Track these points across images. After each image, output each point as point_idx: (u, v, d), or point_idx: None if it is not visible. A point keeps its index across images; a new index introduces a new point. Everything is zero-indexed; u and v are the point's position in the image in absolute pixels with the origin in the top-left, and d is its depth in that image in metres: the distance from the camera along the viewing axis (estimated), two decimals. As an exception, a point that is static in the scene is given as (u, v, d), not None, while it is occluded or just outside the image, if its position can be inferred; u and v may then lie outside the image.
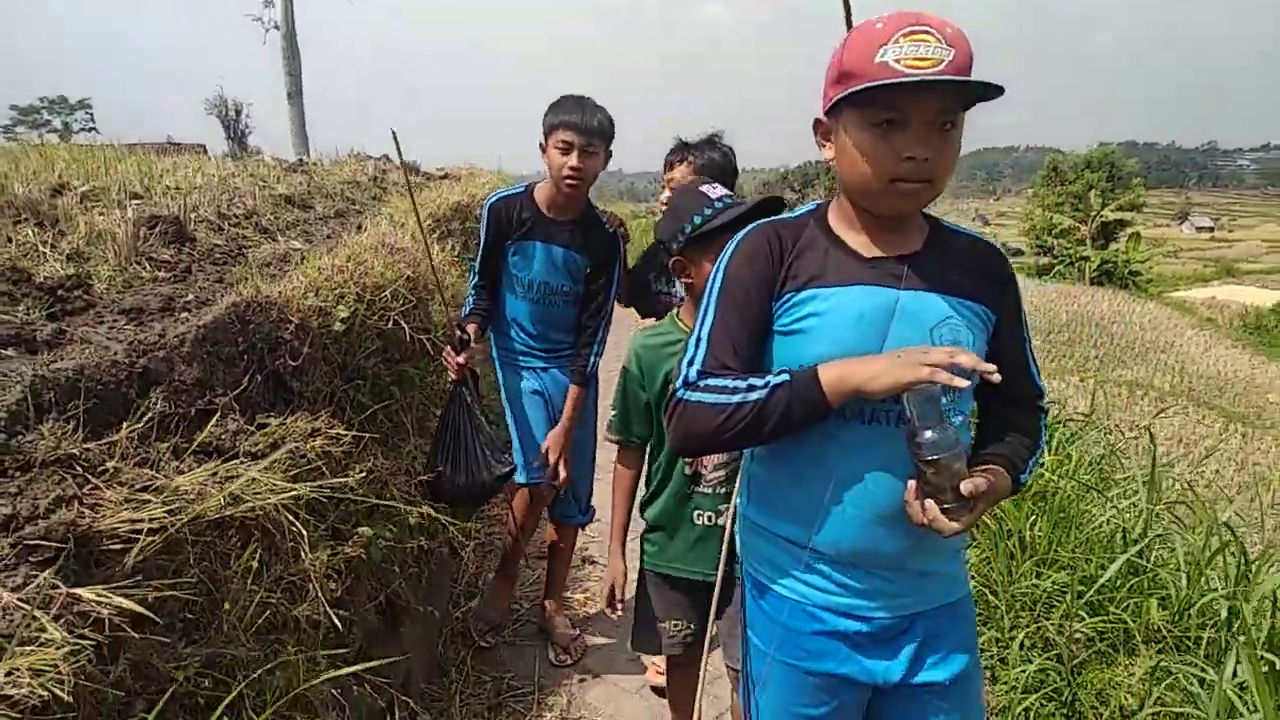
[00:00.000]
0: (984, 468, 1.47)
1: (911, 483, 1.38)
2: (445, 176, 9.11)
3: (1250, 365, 30.47)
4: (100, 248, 2.56)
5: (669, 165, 3.00)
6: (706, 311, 1.54)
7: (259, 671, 1.39)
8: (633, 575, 2.36)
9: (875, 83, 1.29)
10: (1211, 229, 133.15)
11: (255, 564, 1.48)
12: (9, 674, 0.96)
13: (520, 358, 3.06)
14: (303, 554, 1.62)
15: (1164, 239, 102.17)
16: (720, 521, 2.12)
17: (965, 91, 1.34)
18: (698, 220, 2.01)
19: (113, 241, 2.59)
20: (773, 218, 1.60)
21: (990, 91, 1.32)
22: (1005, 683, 3.32)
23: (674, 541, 2.19)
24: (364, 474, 1.99)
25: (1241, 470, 13.88)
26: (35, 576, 1.09)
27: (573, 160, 2.77)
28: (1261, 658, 2.64)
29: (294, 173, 5.96)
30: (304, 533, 1.62)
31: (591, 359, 3.08)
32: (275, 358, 1.97)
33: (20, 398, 1.34)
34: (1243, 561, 3.48)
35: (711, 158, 2.89)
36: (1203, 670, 2.69)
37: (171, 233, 2.91)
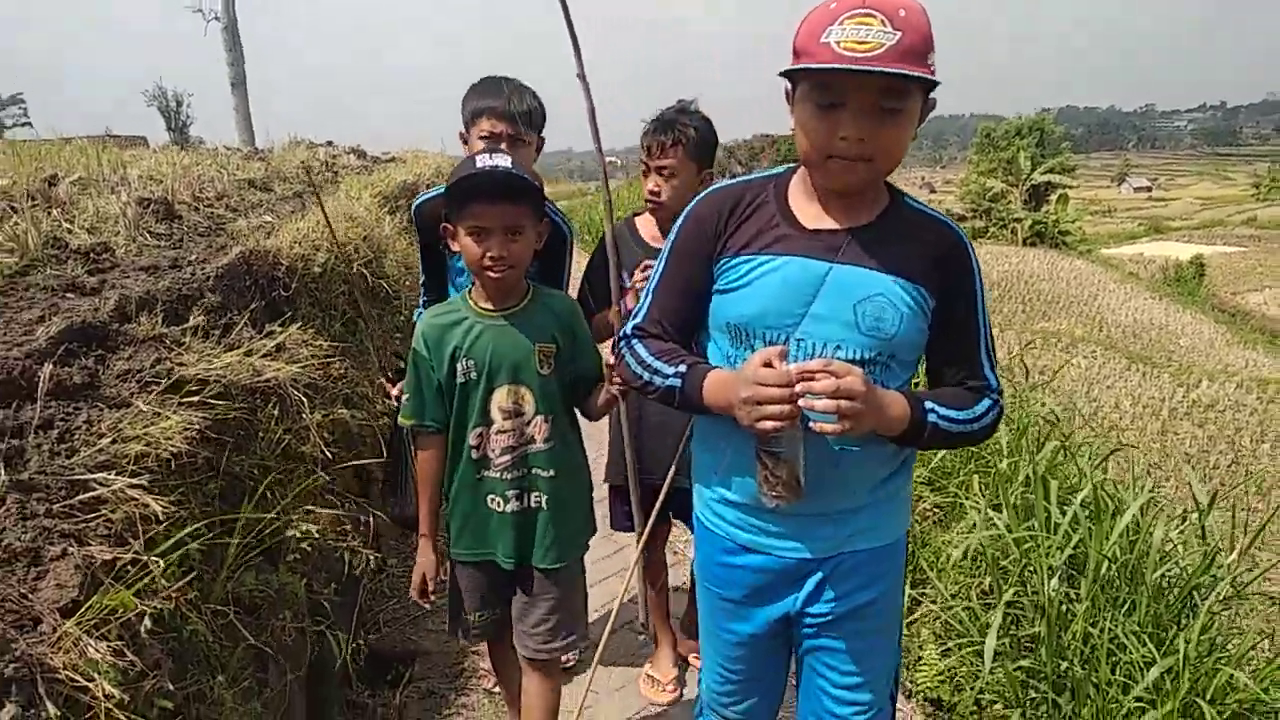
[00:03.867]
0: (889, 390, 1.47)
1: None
2: (391, 160, 9.75)
3: (1165, 314, 32.33)
4: (110, 224, 3.24)
5: (659, 149, 2.49)
6: (661, 262, 1.67)
7: (279, 475, 2.16)
8: None
9: (806, 65, 1.36)
10: (1149, 189, 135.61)
11: (275, 413, 2.25)
12: (150, 442, 1.72)
13: None
14: (304, 414, 2.39)
15: (1101, 200, 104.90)
16: (508, 509, 2.10)
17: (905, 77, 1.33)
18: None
19: (122, 218, 3.27)
20: (741, 179, 1.64)
21: (927, 82, 1.37)
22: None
23: (468, 526, 2.15)
24: (341, 373, 2.76)
25: (1137, 403, 15.23)
26: (153, 400, 1.84)
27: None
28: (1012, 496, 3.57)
29: (251, 159, 6.60)
30: (303, 400, 2.39)
31: None
32: (272, 290, 2.72)
33: (118, 302, 2.09)
34: (1039, 438, 4.42)
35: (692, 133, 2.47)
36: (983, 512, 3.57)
37: (162, 211, 3.58)
